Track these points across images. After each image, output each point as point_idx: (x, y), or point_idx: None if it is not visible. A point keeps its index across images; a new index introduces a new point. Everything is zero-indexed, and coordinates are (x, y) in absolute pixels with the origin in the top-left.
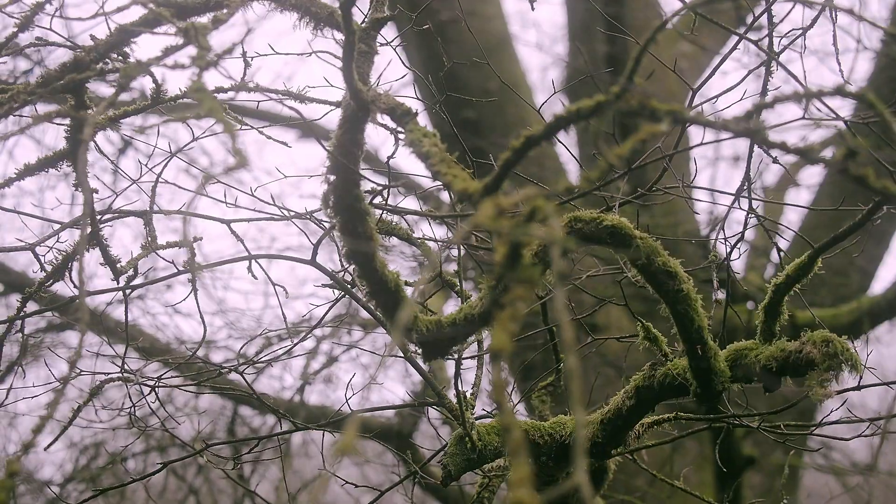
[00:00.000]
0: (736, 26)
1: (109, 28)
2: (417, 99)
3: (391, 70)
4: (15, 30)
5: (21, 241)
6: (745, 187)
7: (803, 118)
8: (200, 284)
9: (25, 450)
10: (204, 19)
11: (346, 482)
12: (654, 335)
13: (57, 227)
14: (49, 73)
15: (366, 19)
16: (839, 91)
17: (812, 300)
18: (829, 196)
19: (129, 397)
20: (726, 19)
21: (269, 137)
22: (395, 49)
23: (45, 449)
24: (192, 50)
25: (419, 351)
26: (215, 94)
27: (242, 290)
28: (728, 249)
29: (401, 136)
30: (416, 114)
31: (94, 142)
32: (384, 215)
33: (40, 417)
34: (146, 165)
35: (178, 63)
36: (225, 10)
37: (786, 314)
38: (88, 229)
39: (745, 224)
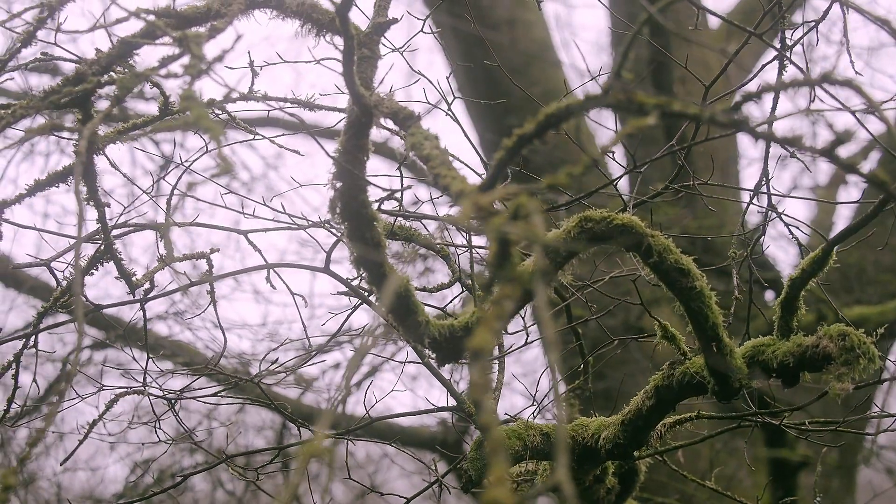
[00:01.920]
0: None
1: (112, 41)
2: (422, 102)
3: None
4: (18, 45)
5: (31, 255)
6: (762, 183)
7: (808, 109)
8: (246, 298)
9: (22, 463)
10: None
11: (372, 490)
12: (673, 334)
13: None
14: (51, 88)
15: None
16: (825, 78)
17: (860, 297)
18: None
19: (153, 410)
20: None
21: (281, 146)
22: (402, 53)
23: (61, 464)
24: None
25: (434, 355)
26: (224, 104)
27: (286, 303)
28: (750, 246)
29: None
30: (420, 117)
31: (106, 155)
32: (398, 221)
33: (37, 430)
34: (164, 178)
35: (170, 72)
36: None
37: (803, 309)
38: (101, 244)
39: (766, 220)
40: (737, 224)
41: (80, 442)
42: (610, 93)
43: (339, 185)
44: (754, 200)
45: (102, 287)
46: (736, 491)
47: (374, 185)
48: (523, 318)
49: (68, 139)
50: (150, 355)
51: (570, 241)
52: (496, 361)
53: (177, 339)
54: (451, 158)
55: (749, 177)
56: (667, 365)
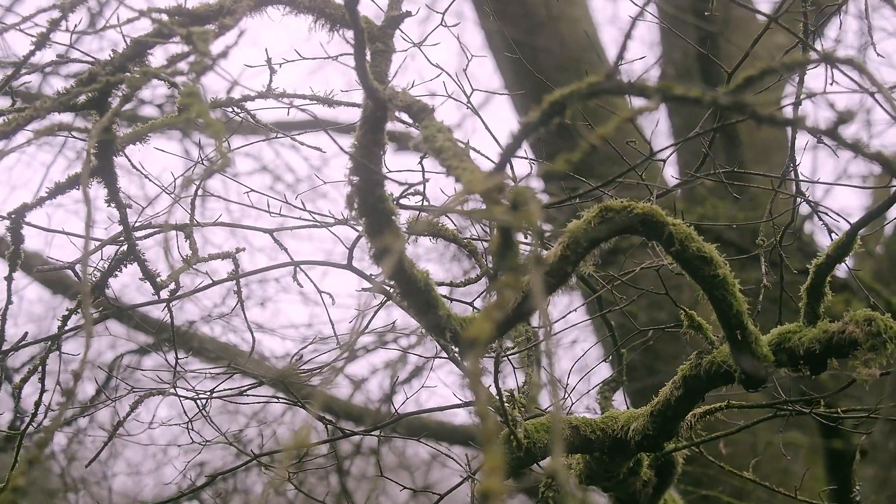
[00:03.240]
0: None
1: (126, 41)
2: (443, 96)
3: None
4: (32, 48)
5: (53, 258)
6: (790, 170)
7: (823, 91)
8: (294, 299)
9: (30, 464)
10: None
11: (404, 487)
12: (699, 323)
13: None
14: (65, 90)
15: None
16: (826, 58)
17: None
18: None
19: (185, 411)
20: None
21: (302, 143)
22: (420, 48)
23: (86, 466)
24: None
25: (456, 349)
26: (241, 102)
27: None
28: (780, 234)
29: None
30: (433, 110)
31: (125, 155)
32: (422, 216)
33: (45, 430)
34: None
35: (176, 70)
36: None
37: (829, 295)
38: (119, 246)
39: (795, 208)
40: (787, 214)
41: (105, 444)
42: (613, 78)
43: (355, 180)
44: (781, 187)
45: (146, 290)
46: (791, 483)
47: (392, 179)
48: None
49: (78, 139)
50: (179, 356)
51: (591, 231)
52: (527, 354)
53: (222, 341)
54: (465, 150)
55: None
56: (694, 354)
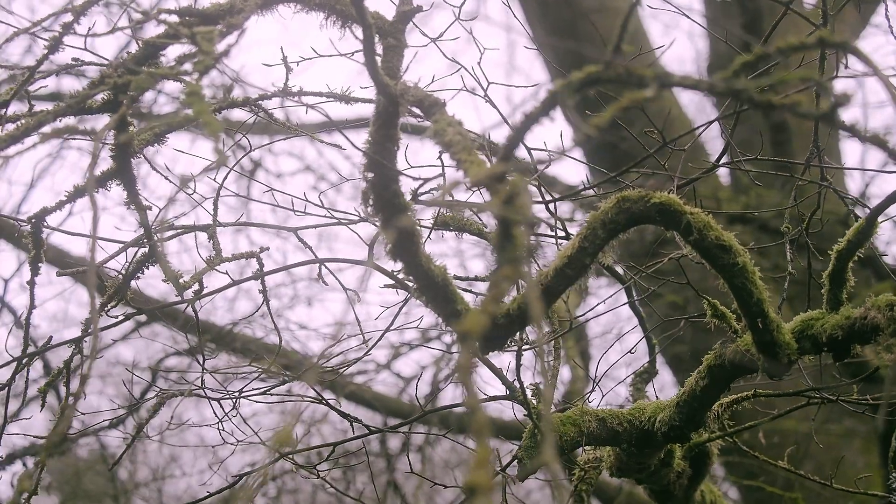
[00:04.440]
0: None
1: (138, 43)
2: (458, 90)
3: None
4: (45, 52)
5: (74, 261)
6: (813, 156)
7: (834, 76)
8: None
9: (38, 466)
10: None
11: (435, 483)
12: (722, 312)
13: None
14: (77, 93)
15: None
16: (822, 42)
17: None
18: None
19: (214, 411)
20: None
21: (322, 142)
22: (437, 45)
23: (109, 469)
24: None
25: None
26: (258, 100)
27: (378, 301)
28: (806, 221)
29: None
30: (444, 104)
31: (144, 156)
32: (447, 211)
33: (54, 432)
34: (214, 179)
35: (181, 71)
36: (241, 15)
37: (851, 280)
38: (138, 248)
39: (820, 194)
40: (835, 204)
41: (129, 446)
42: (610, 68)
43: (370, 176)
44: (807, 174)
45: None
46: (846, 471)
47: (406, 174)
48: (566, 301)
49: (94, 141)
50: (213, 357)
51: (608, 221)
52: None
53: (266, 341)
54: (475, 144)
55: (849, 152)
56: (718, 344)
